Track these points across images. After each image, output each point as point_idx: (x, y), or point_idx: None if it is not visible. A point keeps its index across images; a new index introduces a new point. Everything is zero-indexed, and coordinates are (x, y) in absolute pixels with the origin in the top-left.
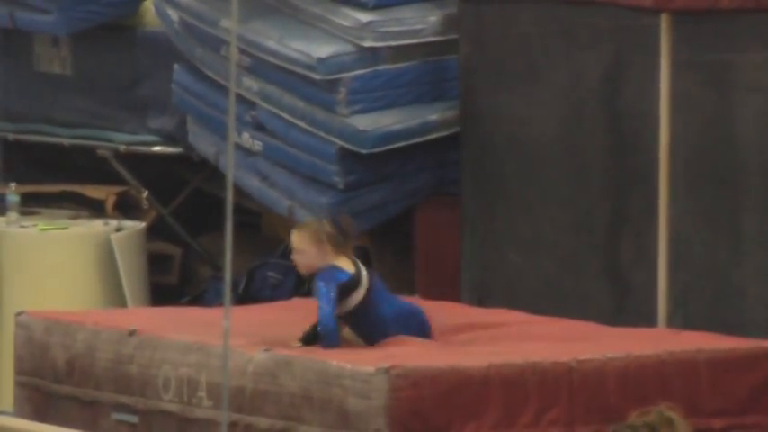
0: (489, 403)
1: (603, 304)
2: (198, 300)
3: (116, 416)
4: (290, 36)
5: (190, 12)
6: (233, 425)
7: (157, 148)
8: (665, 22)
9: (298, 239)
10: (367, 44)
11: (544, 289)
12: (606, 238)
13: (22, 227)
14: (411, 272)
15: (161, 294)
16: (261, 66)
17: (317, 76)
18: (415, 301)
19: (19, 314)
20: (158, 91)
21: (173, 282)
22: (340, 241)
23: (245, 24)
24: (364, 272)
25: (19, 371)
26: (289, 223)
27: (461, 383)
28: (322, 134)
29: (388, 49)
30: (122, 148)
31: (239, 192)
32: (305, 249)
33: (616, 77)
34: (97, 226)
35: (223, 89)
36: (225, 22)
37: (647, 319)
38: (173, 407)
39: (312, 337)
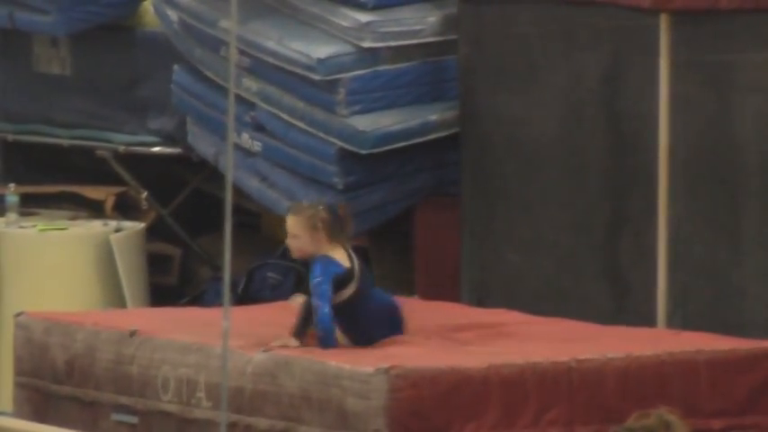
0: (489, 403)
1: (603, 304)
2: (197, 300)
3: (115, 416)
4: (290, 36)
5: (189, 12)
6: (232, 425)
7: (157, 149)
8: (664, 22)
9: (292, 224)
10: (366, 44)
11: (544, 289)
12: (606, 239)
13: (22, 227)
14: (410, 272)
15: (160, 295)
16: (260, 66)
17: (316, 77)
18: (415, 302)
19: (18, 315)
20: (158, 91)
21: (172, 282)
22: (335, 229)
23: (245, 25)
24: (357, 266)
25: (18, 371)
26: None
27: (461, 384)
28: (321, 135)
29: (387, 50)
30: (122, 148)
31: (239, 192)
32: (299, 235)
33: (615, 78)
34: (96, 226)
35: (222, 90)
36: (224, 23)
37: (647, 320)
38: (172, 407)
39: (303, 327)
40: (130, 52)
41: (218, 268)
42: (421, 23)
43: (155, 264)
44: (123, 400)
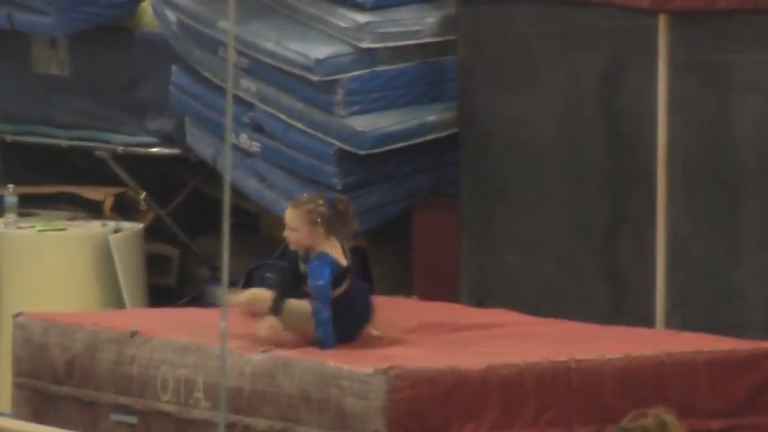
0: (488, 404)
1: (602, 305)
2: (196, 301)
3: (115, 417)
4: (288, 37)
5: (187, 13)
6: (231, 426)
7: (155, 150)
8: (662, 22)
9: (292, 217)
10: (365, 45)
11: (543, 289)
12: (605, 239)
13: (20, 228)
14: (409, 273)
15: (159, 295)
16: (259, 67)
17: (314, 78)
18: (414, 302)
19: (17, 315)
20: (156, 92)
21: (171, 283)
22: (334, 224)
23: (243, 25)
24: (350, 262)
25: (17, 372)
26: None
27: (460, 384)
28: (320, 135)
29: (385, 50)
30: (120, 149)
31: (237, 193)
32: (298, 228)
33: (614, 78)
34: (95, 227)
35: (221, 90)
36: (223, 24)
37: (646, 320)
38: (170, 408)
39: (280, 303)
40: (129, 53)
41: (216, 268)
42: (419, 24)
43: (153, 264)
44: (122, 400)
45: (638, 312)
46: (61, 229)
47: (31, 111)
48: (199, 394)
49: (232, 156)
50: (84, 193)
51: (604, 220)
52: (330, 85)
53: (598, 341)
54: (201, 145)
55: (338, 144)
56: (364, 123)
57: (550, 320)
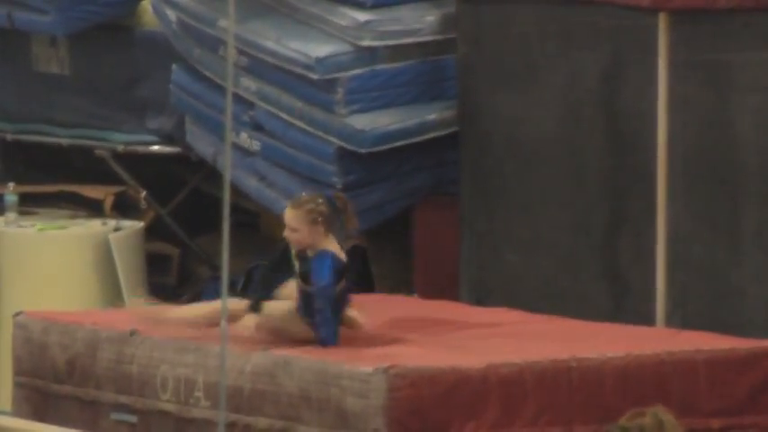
0: (488, 403)
1: (602, 304)
2: (196, 300)
3: (115, 416)
4: (288, 36)
5: (188, 12)
6: (231, 425)
7: (155, 148)
8: (663, 21)
9: (291, 218)
10: (365, 44)
11: (543, 289)
12: (605, 239)
13: (20, 227)
14: (409, 272)
15: (159, 294)
16: (259, 66)
17: (314, 76)
18: (414, 301)
19: (17, 314)
20: (156, 91)
21: (171, 282)
22: (334, 222)
23: (243, 24)
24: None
25: (17, 371)
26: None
27: (460, 383)
28: (320, 134)
29: (385, 49)
30: (120, 147)
31: (237, 192)
32: (298, 228)
33: (614, 77)
34: (95, 226)
35: (221, 89)
36: (223, 22)
37: (646, 320)
38: (170, 407)
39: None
40: (129, 52)
41: (216, 268)
42: (419, 22)
43: (153, 263)
44: (122, 399)
45: (638, 312)
46: (61, 228)
47: (32, 109)
48: (199, 393)
49: (232, 154)
50: (84, 191)
51: (605, 220)
52: (330, 84)
53: (598, 340)
54: (201, 144)
55: (338, 143)
56: (364, 122)
57: (550, 319)
